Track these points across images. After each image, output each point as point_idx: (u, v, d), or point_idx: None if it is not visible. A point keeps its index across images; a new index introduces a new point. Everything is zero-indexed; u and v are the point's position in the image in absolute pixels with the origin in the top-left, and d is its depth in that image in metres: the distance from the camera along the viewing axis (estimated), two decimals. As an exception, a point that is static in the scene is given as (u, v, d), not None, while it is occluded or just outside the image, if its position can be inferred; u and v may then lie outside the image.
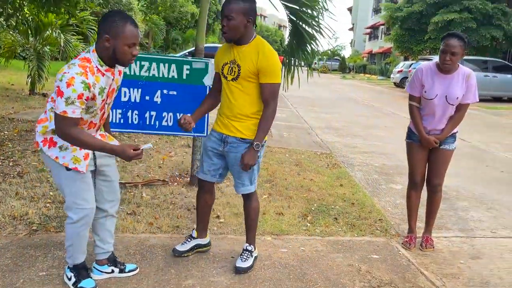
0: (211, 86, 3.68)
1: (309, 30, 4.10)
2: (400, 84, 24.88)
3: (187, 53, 14.65)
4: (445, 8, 23.08)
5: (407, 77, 22.95)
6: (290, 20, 4.12)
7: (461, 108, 3.33)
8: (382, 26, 40.85)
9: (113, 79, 2.36)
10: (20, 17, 7.55)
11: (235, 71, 2.64)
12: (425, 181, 3.57)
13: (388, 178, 5.60)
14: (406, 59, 31.88)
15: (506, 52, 25.14)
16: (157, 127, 3.79)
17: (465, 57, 18.96)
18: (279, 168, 5.54)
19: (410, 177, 3.60)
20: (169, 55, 10.97)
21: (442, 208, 4.50)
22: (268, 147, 6.73)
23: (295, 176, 5.24)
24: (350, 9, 65.21)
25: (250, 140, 2.70)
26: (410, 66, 22.35)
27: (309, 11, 3.98)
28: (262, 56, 2.58)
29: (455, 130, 3.41)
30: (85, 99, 2.16)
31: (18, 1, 6.71)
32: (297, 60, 4.30)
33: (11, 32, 9.75)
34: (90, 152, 2.37)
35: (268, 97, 2.64)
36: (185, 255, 3.01)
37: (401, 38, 26.29)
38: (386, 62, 40.33)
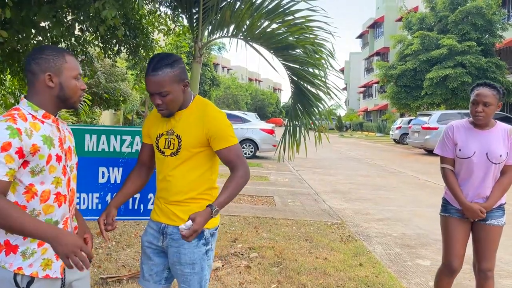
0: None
1: (314, 90, 3.63)
2: (400, 141, 24.62)
3: None
4: (439, 64, 23.35)
5: (407, 133, 22.66)
6: (292, 81, 3.65)
7: (507, 171, 2.77)
8: (376, 85, 41.45)
9: (60, 133, 1.79)
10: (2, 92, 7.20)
11: (174, 144, 2.05)
12: (472, 265, 2.91)
13: (412, 251, 4.90)
14: (402, 115, 31.94)
15: (504, 104, 25.14)
16: (141, 211, 3.18)
17: (464, 111, 18.86)
18: (287, 245, 4.86)
19: (446, 258, 2.92)
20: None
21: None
22: (273, 219, 6.07)
23: (307, 256, 4.55)
24: (342, 70, 66.93)
25: None
26: (409, 122, 22.15)
27: (315, 70, 3.52)
28: (210, 118, 2.02)
29: (502, 201, 2.82)
30: (15, 153, 1.57)
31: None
32: (302, 124, 3.78)
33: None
34: None
35: (233, 160, 2.04)
36: None
37: (397, 95, 26.38)
38: (383, 119, 40.48)
